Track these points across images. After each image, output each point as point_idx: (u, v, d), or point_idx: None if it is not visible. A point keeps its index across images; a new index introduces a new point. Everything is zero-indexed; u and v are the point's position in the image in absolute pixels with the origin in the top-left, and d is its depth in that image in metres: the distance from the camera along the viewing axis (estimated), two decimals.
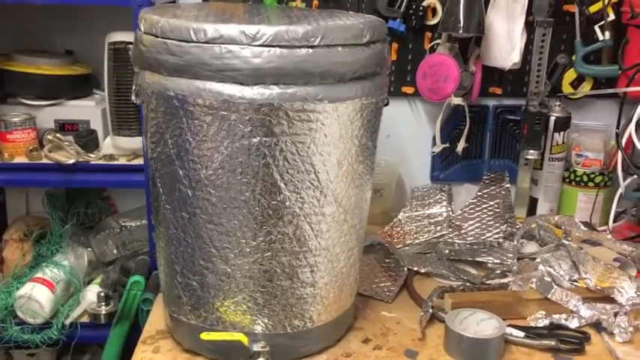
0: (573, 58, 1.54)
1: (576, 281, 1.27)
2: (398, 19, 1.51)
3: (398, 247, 1.46)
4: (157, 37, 0.92)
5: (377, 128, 1.06)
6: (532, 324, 1.16)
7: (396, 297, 1.27)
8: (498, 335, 1.07)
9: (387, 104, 1.07)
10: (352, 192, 1.02)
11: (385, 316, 1.21)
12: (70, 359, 1.52)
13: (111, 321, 1.34)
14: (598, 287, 1.21)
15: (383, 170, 1.56)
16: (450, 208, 1.54)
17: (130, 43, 1.31)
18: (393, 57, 1.56)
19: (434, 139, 1.60)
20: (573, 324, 1.16)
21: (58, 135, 1.41)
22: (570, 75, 1.56)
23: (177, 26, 0.90)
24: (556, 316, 1.17)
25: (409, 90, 1.60)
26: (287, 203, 0.95)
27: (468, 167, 1.66)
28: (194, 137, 0.93)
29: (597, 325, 1.16)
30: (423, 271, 1.35)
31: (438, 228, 1.51)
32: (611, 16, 1.47)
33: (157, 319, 1.18)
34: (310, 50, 0.89)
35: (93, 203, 1.63)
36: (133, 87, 1.01)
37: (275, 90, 0.89)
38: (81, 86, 1.48)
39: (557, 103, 1.53)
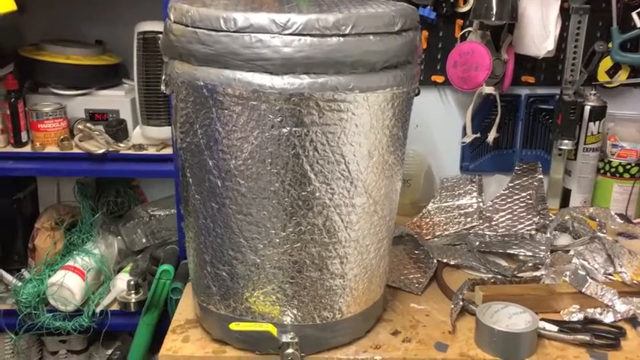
0: (609, 45, 1.50)
1: (611, 275, 1.24)
2: (428, 7, 1.48)
3: (427, 238, 1.44)
4: (187, 26, 0.91)
5: (408, 118, 1.04)
6: (566, 318, 1.14)
7: (425, 289, 1.26)
8: (531, 329, 1.05)
9: (418, 94, 1.05)
10: (382, 183, 1.01)
11: (414, 308, 1.20)
12: (100, 346, 1.55)
13: (140, 309, 1.36)
14: (634, 281, 1.18)
15: (412, 160, 1.55)
16: (480, 199, 1.52)
17: (160, 32, 1.30)
18: (423, 45, 1.53)
19: (464, 128, 1.57)
20: (608, 318, 1.13)
21: (88, 124, 1.42)
22: (606, 63, 1.52)
23: (207, 15, 0.89)
24: (590, 311, 1.14)
25: (439, 79, 1.57)
26: (317, 194, 0.94)
27: (498, 157, 1.63)
28: (224, 127, 0.92)
29: (633, 320, 1.14)
30: (452, 262, 1.33)
31: (468, 219, 1.48)
32: None
33: (186, 308, 1.18)
34: (341, 39, 0.88)
35: (122, 192, 1.65)
36: (163, 77, 1.01)
37: (305, 79, 0.88)
38: (110, 76, 1.49)
39: (593, 92, 1.49)
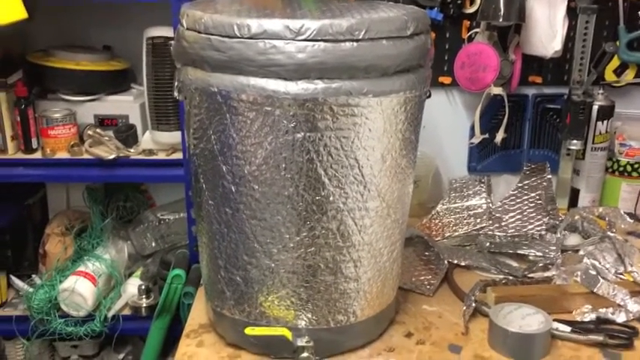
0: (617, 44, 1.50)
1: (622, 274, 1.24)
2: (435, 8, 1.48)
3: (437, 239, 1.44)
4: (200, 32, 0.92)
5: (420, 121, 1.05)
6: (578, 318, 1.14)
7: (436, 290, 1.26)
8: (545, 330, 1.05)
9: (429, 97, 1.05)
10: (395, 186, 1.01)
11: (426, 310, 1.20)
12: (112, 351, 1.55)
13: (152, 313, 1.36)
14: None
15: (419, 162, 1.52)
16: (489, 200, 1.52)
17: (168, 37, 1.32)
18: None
19: (471, 129, 1.57)
20: (621, 318, 1.13)
21: (98, 130, 1.43)
22: (613, 62, 1.52)
23: (220, 22, 0.89)
24: (603, 310, 1.15)
25: (446, 80, 1.57)
26: (331, 198, 0.95)
27: (506, 158, 1.64)
28: (237, 133, 0.93)
29: None
30: (463, 264, 1.33)
31: (478, 220, 1.49)
32: None
33: (199, 312, 1.19)
34: (355, 44, 0.88)
35: (131, 196, 1.65)
36: (175, 83, 1.01)
37: (319, 85, 0.88)
38: (119, 81, 1.49)
39: (600, 91, 1.49)
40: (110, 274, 1.47)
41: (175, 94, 1.01)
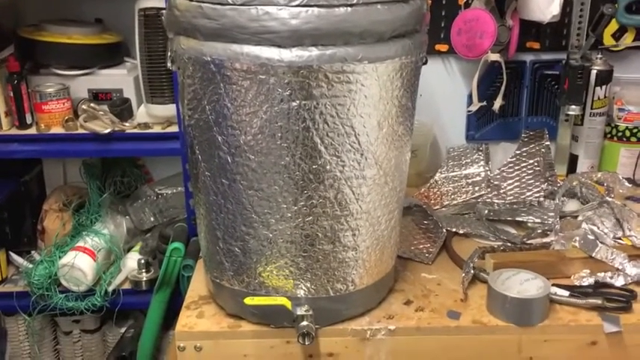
0: (615, 6, 1.48)
1: (620, 239, 1.25)
2: None
3: (435, 208, 1.44)
4: (192, 0, 0.90)
5: (416, 88, 1.03)
6: (577, 283, 1.15)
7: (435, 258, 1.26)
8: (543, 295, 1.06)
9: (425, 63, 1.04)
10: (392, 154, 1.00)
11: (425, 277, 1.20)
12: (113, 325, 1.56)
13: (152, 287, 1.37)
14: None
15: (417, 131, 1.51)
16: (487, 168, 1.52)
17: (161, 8, 1.29)
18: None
19: (469, 97, 1.56)
20: (619, 282, 1.14)
21: (92, 105, 1.41)
22: (612, 26, 1.50)
23: None
24: (601, 275, 1.15)
25: (443, 48, 1.56)
26: (327, 167, 0.94)
27: (504, 125, 1.63)
28: (232, 102, 0.92)
29: None
30: (461, 232, 1.33)
31: (476, 188, 1.48)
32: None
33: (198, 284, 1.19)
34: (349, 9, 0.86)
35: (128, 171, 1.64)
36: (168, 53, 1.00)
37: (314, 51, 0.87)
38: (112, 55, 1.48)
39: (599, 55, 1.48)
40: (109, 249, 1.47)
41: (168, 64, 1.00)
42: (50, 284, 1.40)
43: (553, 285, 1.10)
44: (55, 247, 1.45)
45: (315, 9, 0.85)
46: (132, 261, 1.44)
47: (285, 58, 0.87)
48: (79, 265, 1.38)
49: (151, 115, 1.41)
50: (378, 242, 1.05)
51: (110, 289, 1.41)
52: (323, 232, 0.99)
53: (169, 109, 1.38)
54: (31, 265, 1.43)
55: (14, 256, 1.48)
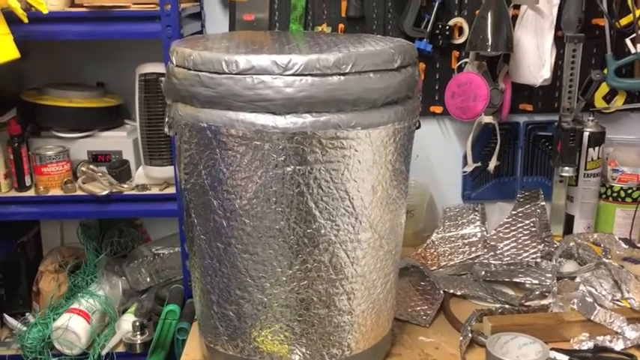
0: (605, 71, 1.51)
1: (619, 301, 1.23)
2: (424, 39, 1.50)
3: (432, 269, 1.44)
4: (189, 69, 0.93)
5: (410, 152, 1.05)
6: (576, 347, 1.13)
7: (433, 321, 1.25)
8: None
9: (418, 127, 1.06)
10: (387, 217, 1.01)
11: (423, 341, 1.19)
12: None
13: (146, 350, 1.35)
14: None
15: (413, 191, 1.55)
16: (484, 228, 1.52)
17: (160, 74, 1.33)
18: (421, 77, 1.55)
19: (464, 157, 1.58)
20: (618, 346, 1.12)
21: (91, 166, 1.43)
22: (602, 89, 1.54)
23: (209, 58, 0.90)
24: (600, 338, 1.14)
25: (438, 109, 1.58)
26: (322, 231, 0.95)
27: (500, 185, 1.64)
28: (228, 167, 0.93)
29: None
30: (459, 293, 1.32)
31: (473, 249, 1.48)
32: None
33: (193, 348, 1.18)
34: (342, 78, 0.89)
35: (125, 232, 1.64)
36: (166, 119, 1.02)
37: (308, 118, 0.89)
38: (112, 117, 1.50)
39: (591, 118, 1.50)
40: (104, 310, 1.46)
41: (166, 129, 1.02)
42: (43, 347, 1.38)
43: (552, 349, 1.09)
44: (50, 309, 1.44)
45: (309, 78, 0.88)
46: (127, 323, 1.43)
47: (279, 125, 0.89)
48: (73, 327, 1.37)
49: (149, 177, 1.42)
50: (374, 306, 1.04)
51: (104, 352, 1.39)
52: (318, 296, 0.98)
53: (167, 171, 1.40)
54: (24, 328, 1.42)
55: (8, 319, 1.47)
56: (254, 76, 0.88)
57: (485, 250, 1.47)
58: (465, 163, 1.57)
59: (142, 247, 1.61)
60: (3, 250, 1.51)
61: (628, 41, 1.47)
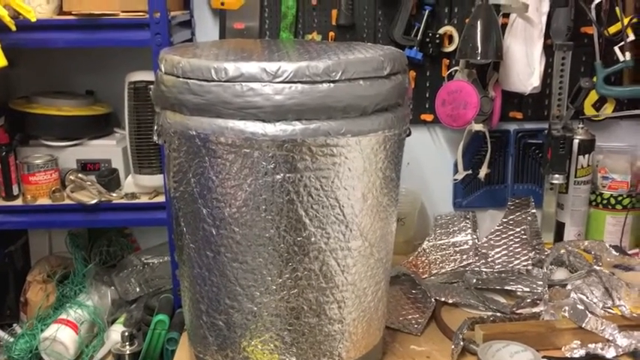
0: (594, 79, 1.52)
1: (610, 308, 1.23)
2: (415, 48, 1.51)
3: (423, 277, 1.43)
4: (178, 77, 0.92)
5: (400, 159, 1.05)
6: (567, 354, 1.13)
7: (424, 329, 1.24)
8: None
9: (409, 134, 1.06)
10: (378, 225, 1.00)
11: (415, 350, 1.18)
12: None
13: None
14: (634, 314, 1.18)
15: (404, 199, 1.55)
16: (475, 236, 1.52)
17: (150, 82, 1.32)
18: (411, 85, 1.55)
19: (455, 165, 1.58)
20: (610, 353, 1.12)
21: (80, 175, 1.42)
22: (592, 97, 1.54)
23: (198, 66, 0.90)
24: (592, 346, 1.13)
25: (428, 117, 1.59)
26: (312, 239, 0.94)
27: (491, 193, 1.64)
28: (217, 175, 0.92)
29: (635, 354, 1.12)
30: (450, 301, 1.32)
31: (464, 256, 1.48)
32: (631, 37, 1.45)
33: (182, 359, 1.16)
34: (332, 85, 0.89)
35: (115, 241, 1.63)
36: (155, 127, 1.01)
37: (297, 126, 0.88)
38: (102, 126, 1.49)
39: (580, 125, 1.51)
40: (93, 321, 1.44)
41: (155, 138, 1.01)
42: (31, 359, 1.36)
43: (543, 357, 1.09)
44: (37, 319, 1.42)
45: (299, 85, 0.87)
46: (116, 333, 1.41)
47: (269, 133, 0.88)
48: (61, 338, 1.35)
49: (139, 185, 1.41)
50: (365, 314, 1.04)
51: None
52: (308, 304, 0.97)
53: (157, 180, 1.39)
54: (12, 339, 1.40)
55: None
56: (243, 84, 0.87)
57: (477, 258, 1.46)
58: (456, 171, 1.57)
59: (132, 257, 1.59)
60: None
61: (617, 49, 1.48)
